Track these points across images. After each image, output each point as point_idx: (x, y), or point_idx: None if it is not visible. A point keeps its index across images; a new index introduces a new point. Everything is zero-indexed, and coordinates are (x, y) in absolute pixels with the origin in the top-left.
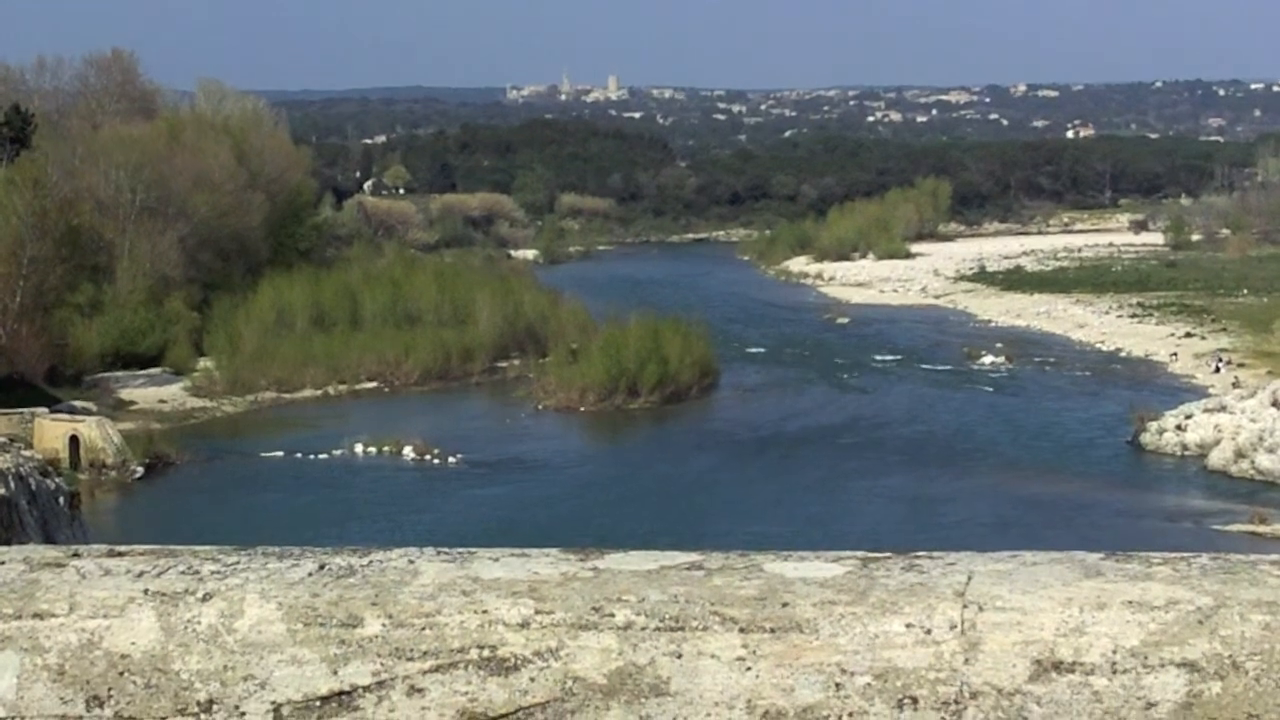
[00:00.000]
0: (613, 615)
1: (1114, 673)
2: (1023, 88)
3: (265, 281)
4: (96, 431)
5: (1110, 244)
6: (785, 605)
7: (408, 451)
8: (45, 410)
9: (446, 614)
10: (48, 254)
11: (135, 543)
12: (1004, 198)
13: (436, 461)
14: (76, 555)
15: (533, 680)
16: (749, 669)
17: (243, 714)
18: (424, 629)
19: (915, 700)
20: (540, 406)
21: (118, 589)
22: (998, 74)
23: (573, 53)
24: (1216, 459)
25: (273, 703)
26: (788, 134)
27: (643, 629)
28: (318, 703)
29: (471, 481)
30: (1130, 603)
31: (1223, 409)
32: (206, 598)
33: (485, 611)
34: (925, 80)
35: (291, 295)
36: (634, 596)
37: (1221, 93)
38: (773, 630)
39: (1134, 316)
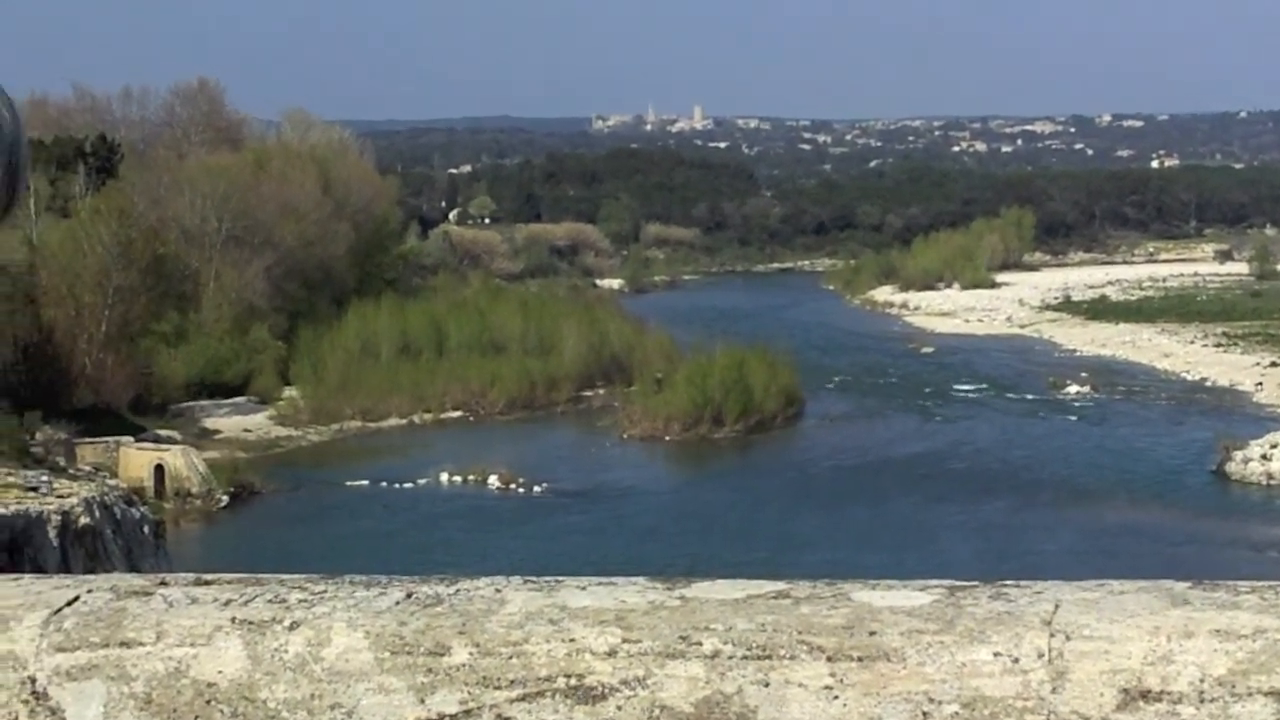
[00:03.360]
0: (700, 644)
1: (1201, 702)
2: (1108, 118)
3: (351, 310)
4: (181, 460)
5: (1195, 274)
6: (872, 634)
7: (493, 480)
8: (130, 439)
9: (534, 643)
10: (133, 283)
11: (221, 571)
12: (1089, 227)
13: (521, 490)
14: (164, 584)
15: (620, 709)
16: (836, 698)
17: None
18: (511, 658)
19: None
20: (625, 436)
21: (205, 617)
22: (1082, 104)
23: (658, 83)
24: None
25: None
26: (873, 164)
27: (730, 658)
28: None
29: (557, 510)
30: (1218, 631)
31: None
32: (293, 626)
33: (572, 640)
34: (1010, 110)
35: (377, 324)
36: (721, 625)
37: None
38: (860, 659)
39: (1219, 346)
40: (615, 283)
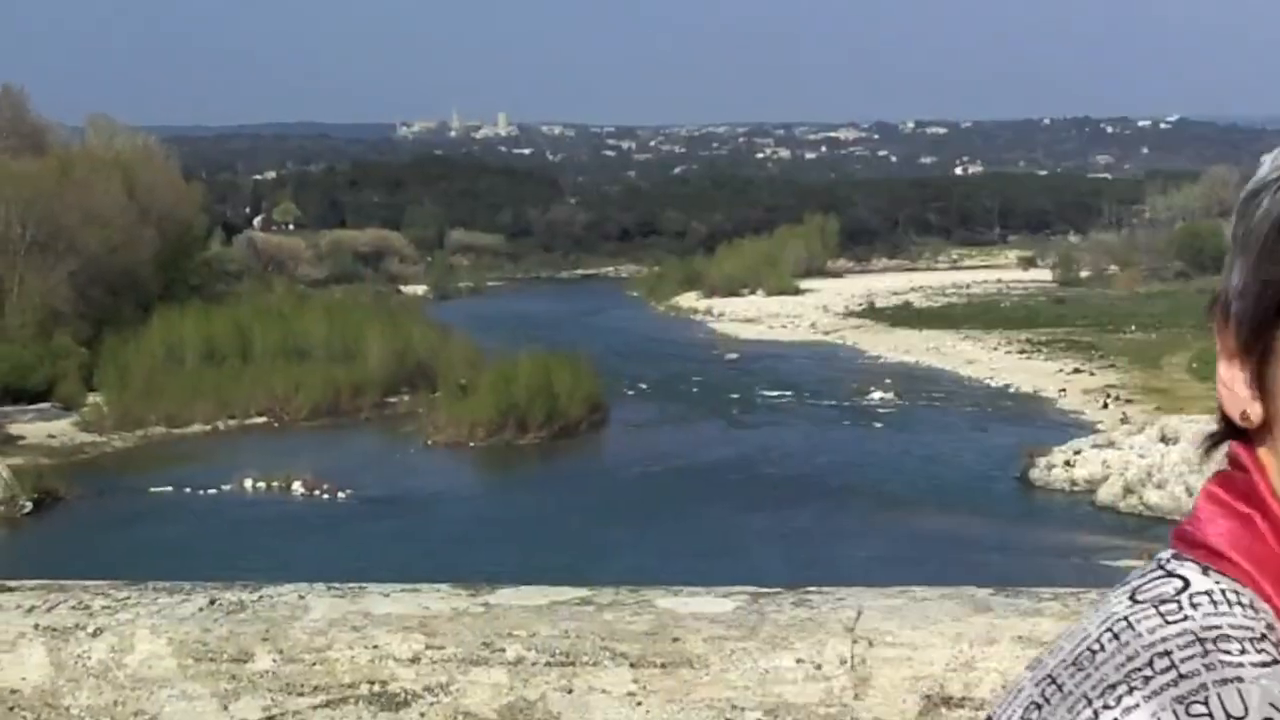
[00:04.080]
0: (503, 650)
1: None
2: (911, 124)
3: (155, 317)
4: None
5: (999, 280)
6: (676, 640)
7: (297, 487)
8: None
9: (337, 649)
10: None
11: (24, 578)
12: (893, 234)
13: (326, 497)
14: None
15: (423, 716)
16: (640, 704)
17: None
18: (315, 664)
19: None
20: (430, 442)
21: (8, 624)
22: (886, 111)
23: (462, 89)
24: (1105, 495)
25: None
26: (677, 170)
27: (533, 664)
28: None
29: (361, 516)
30: (1020, 638)
31: (1111, 445)
32: (97, 633)
33: (376, 647)
34: (814, 117)
35: (182, 330)
36: (525, 631)
37: (1110, 130)
38: (663, 666)
39: (1023, 352)
40: (420, 289)
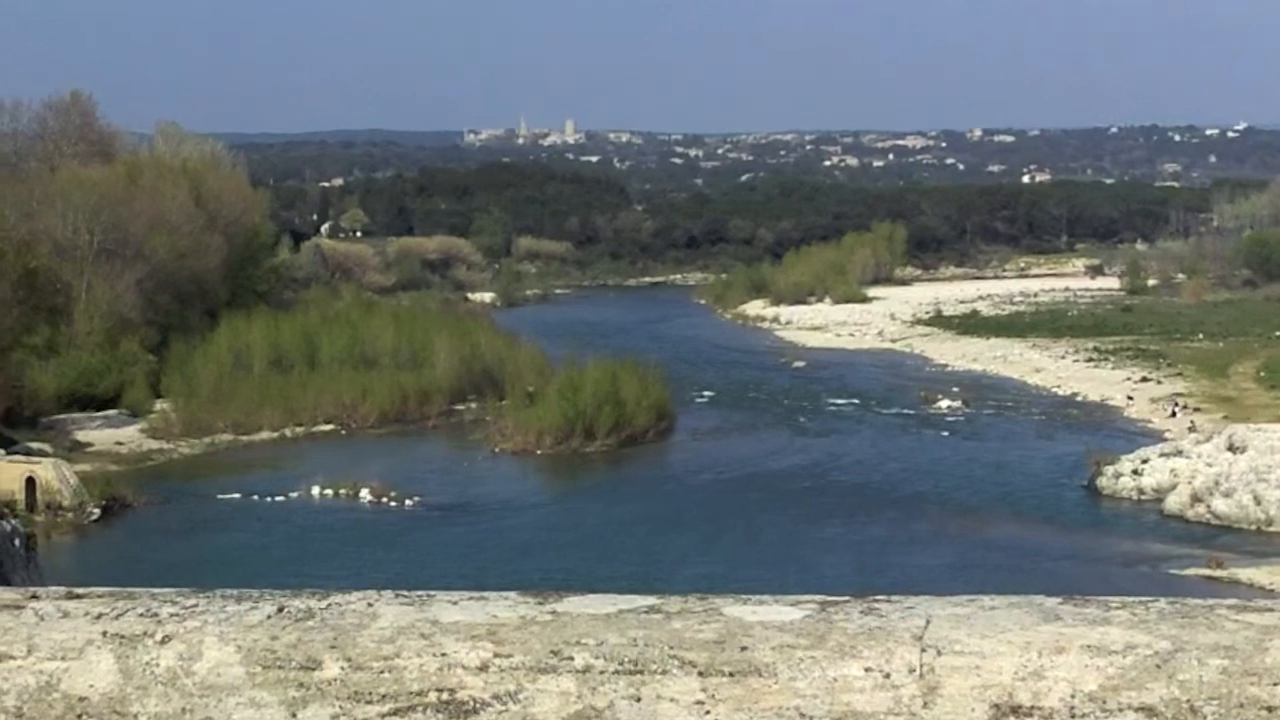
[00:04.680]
0: (571, 659)
1: (1073, 717)
2: (979, 133)
3: (222, 323)
4: (53, 473)
5: (1066, 288)
6: (744, 649)
7: (365, 494)
8: (1, 452)
9: (405, 657)
10: (4, 296)
11: (92, 585)
12: (960, 242)
13: (394, 504)
14: (35, 597)
15: None
16: (708, 713)
17: None
18: (383, 672)
19: None
20: (497, 449)
21: (76, 631)
22: (954, 119)
23: (530, 97)
24: (1173, 503)
25: None
26: (744, 178)
27: (601, 672)
28: None
29: (429, 524)
30: (1089, 647)
31: (1179, 453)
32: (165, 640)
33: (444, 655)
34: (882, 125)
35: (249, 337)
36: (593, 640)
37: (1177, 138)
38: (731, 674)
39: (1090, 361)
40: (487, 296)
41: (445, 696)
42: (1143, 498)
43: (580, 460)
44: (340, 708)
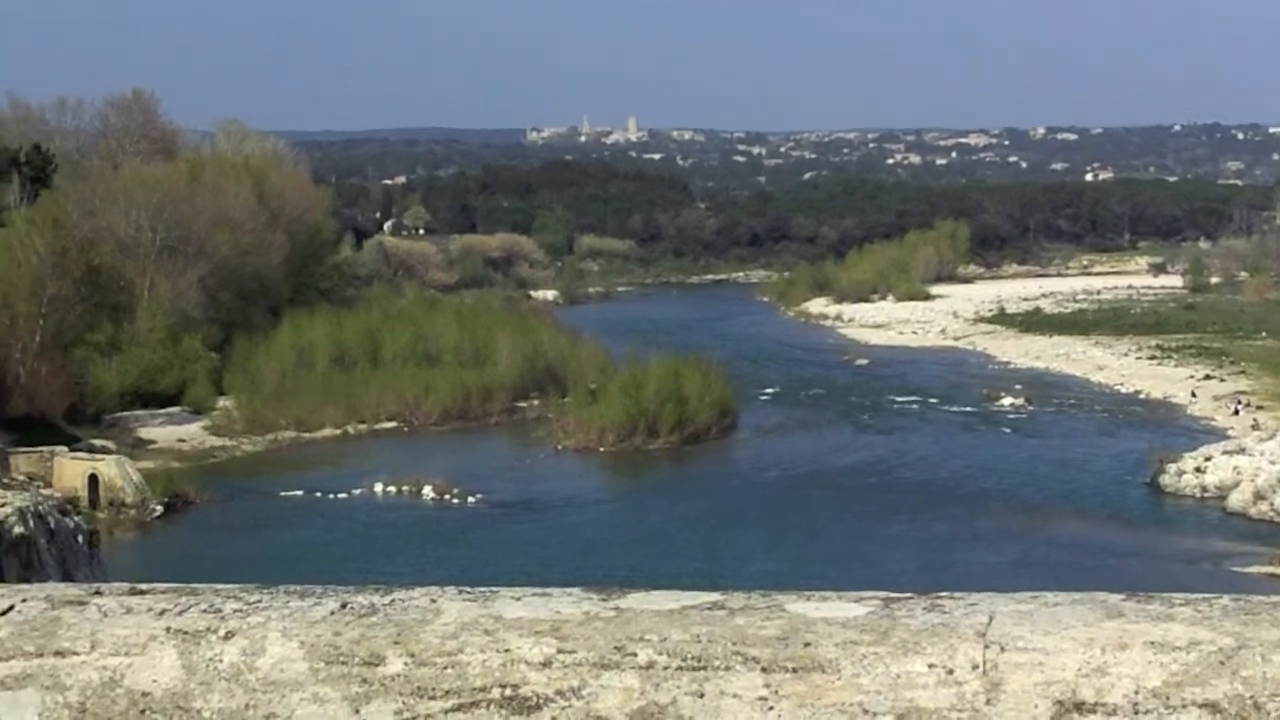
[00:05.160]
0: (635, 655)
1: (1136, 713)
2: (1041, 130)
3: (285, 321)
4: (115, 470)
5: (1129, 286)
6: (807, 645)
7: (427, 491)
8: (64, 449)
9: (469, 653)
10: (67, 293)
11: (155, 581)
12: (1023, 240)
13: (456, 501)
14: (98, 593)
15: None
16: (771, 709)
17: None
18: (446, 668)
19: None
20: (560, 446)
21: (139, 627)
22: (1016, 117)
23: (593, 95)
24: (1236, 501)
25: None
26: (807, 176)
27: (665, 668)
28: None
29: (492, 521)
30: (1152, 643)
31: (1242, 451)
32: (228, 636)
33: (508, 650)
34: (944, 123)
35: (312, 334)
36: (656, 636)
37: (1240, 136)
38: (795, 670)
39: (1153, 359)
40: (550, 294)
41: (509, 692)
42: (1205, 495)
43: (643, 457)
44: (403, 703)
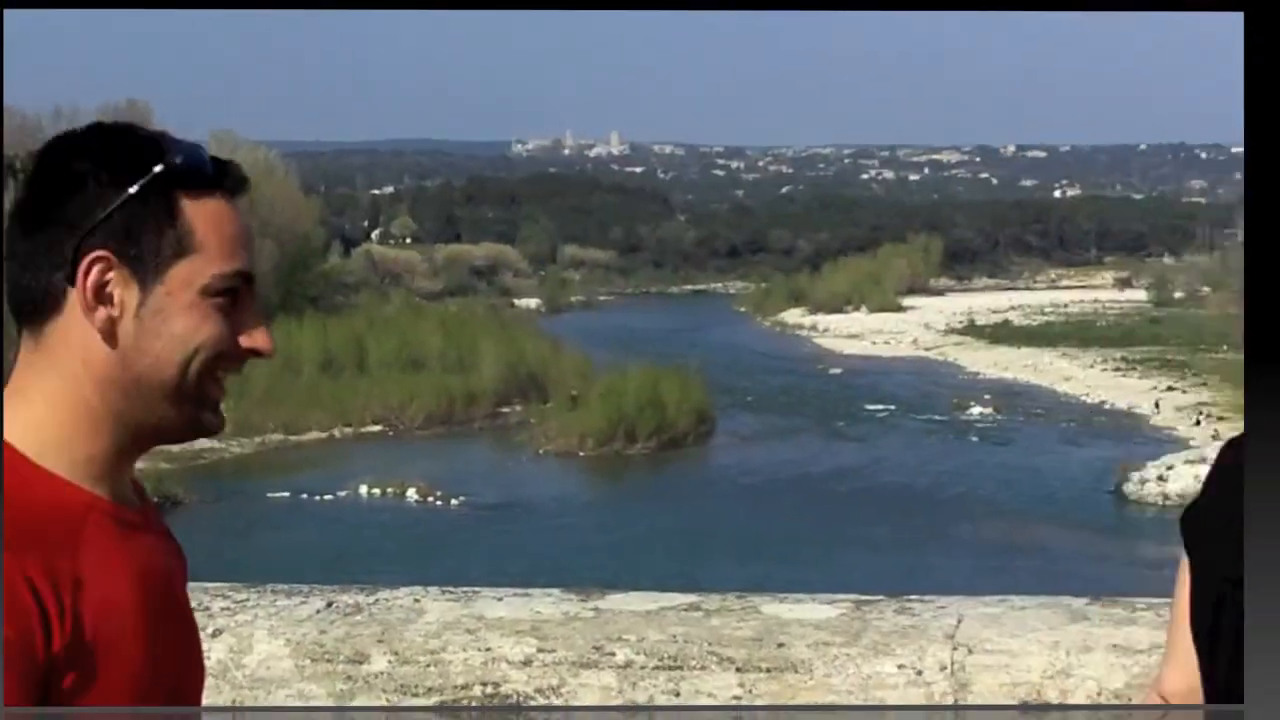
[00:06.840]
0: (613, 654)
1: (1099, 715)
2: (1012, 148)
3: (274, 327)
4: None
5: (1095, 300)
6: (781, 646)
7: (411, 493)
8: None
9: (451, 652)
10: None
11: None
12: (993, 254)
13: (440, 503)
14: None
15: (534, 717)
16: None
17: None
18: (429, 666)
19: None
20: (541, 451)
21: None
22: (988, 135)
23: (576, 109)
24: None
25: None
26: (784, 190)
27: (642, 668)
28: None
29: (474, 523)
30: (1116, 646)
31: (1203, 460)
32: (216, 634)
33: (489, 650)
34: (918, 140)
35: (299, 340)
36: (634, 636)
37: (1204, 156)
38: (768, 670)
39: (1118, 370)
40: (533, 303)
41: (490, 690)
42: (1168, 503)
43: (622, 462)
44: (387, 700)
